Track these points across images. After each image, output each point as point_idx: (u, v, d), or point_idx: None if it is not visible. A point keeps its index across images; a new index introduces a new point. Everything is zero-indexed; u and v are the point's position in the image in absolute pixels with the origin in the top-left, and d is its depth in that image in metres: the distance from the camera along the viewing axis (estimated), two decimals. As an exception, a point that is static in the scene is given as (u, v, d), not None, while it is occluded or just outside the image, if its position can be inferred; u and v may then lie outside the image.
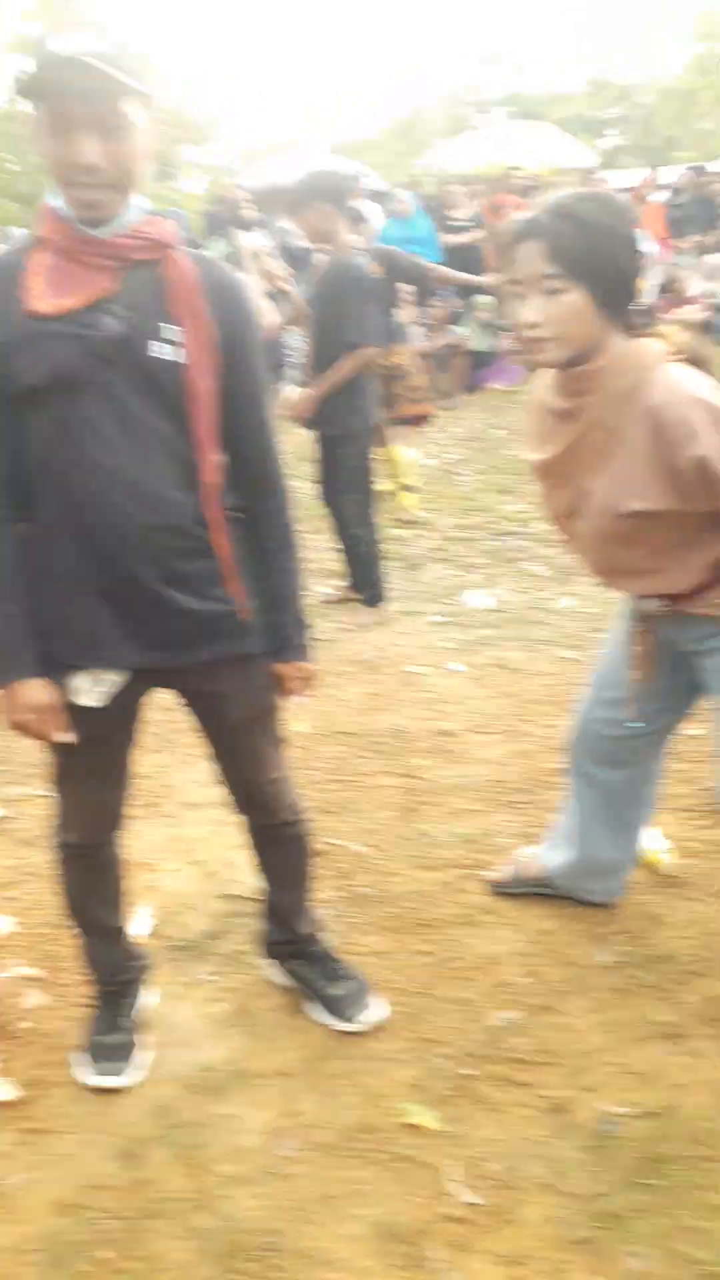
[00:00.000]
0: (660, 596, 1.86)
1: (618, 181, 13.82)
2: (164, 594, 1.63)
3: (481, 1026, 2.04)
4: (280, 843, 2.00)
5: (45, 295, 1.51)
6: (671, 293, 9.52)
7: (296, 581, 1.80)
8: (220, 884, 2.52)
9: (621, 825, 2.25)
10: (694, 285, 9.65)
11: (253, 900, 2.45)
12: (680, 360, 1.65)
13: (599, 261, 1.58)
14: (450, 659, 3.87)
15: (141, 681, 1.73)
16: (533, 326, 1.62)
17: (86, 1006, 2.04)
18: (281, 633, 1.79)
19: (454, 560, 5.05)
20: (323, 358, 3.94)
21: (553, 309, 1.60)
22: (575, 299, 1.59)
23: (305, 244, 5.32)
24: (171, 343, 1.56)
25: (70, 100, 1.43)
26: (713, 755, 1.91)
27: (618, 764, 2.19)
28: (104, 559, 1.60)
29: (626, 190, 13.15)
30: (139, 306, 1.56)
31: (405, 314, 8.98)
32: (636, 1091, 1.88)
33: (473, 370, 8.97)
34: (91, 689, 1.67)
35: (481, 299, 8.97)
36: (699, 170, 11.32)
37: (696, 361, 1.67)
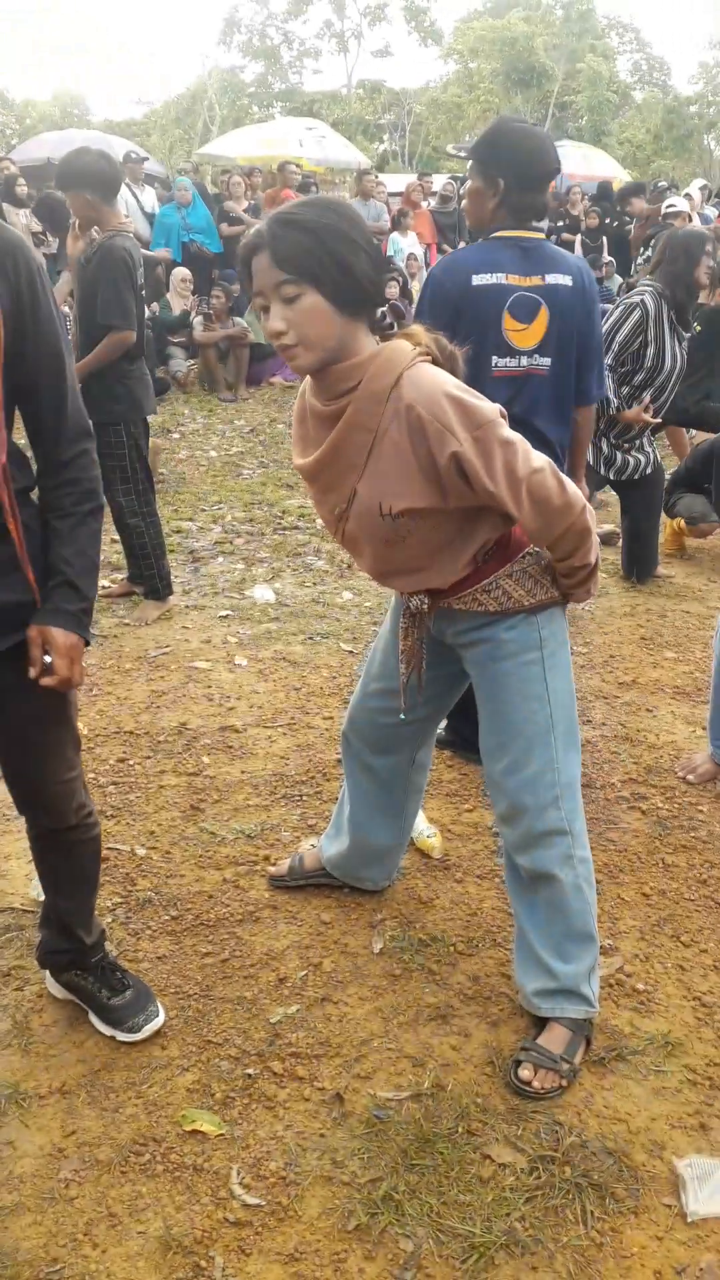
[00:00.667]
0: (426, 592, 1.94)
1: (391, 185, 14.22)
2: None
3: (262, 1024, 2.07)
4: (67, 847, 1.92)
5: None
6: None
7: (89, 550, 1.67)
8: (-9, 898, 2.41)
9: (393, 811, 2.33)
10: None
11: (29, 912, 2.37)
12: (428, 358, 1.72)
13: (327, 261, 1.59)
14: (236, 654, 3.87)
15: None
16: (279, 335, 1.64)
17: None
18: (53, 595, 1.63)
19: (238, 554, 5.05)
20: (87, 342, 3.83)
21: (292, 314, 1.62)
22: (311, 300, 1.61)
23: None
24: None
25: None
26: (482, 746, 2.02)
27: (388, 750, 2.26)
28: None
29: (397, 194, 13.58)
30: None
31: (184, 303, 8.86)
32: (408, 1074, 1.96)
33: (254, 363, 8.95)
34: None
35: (262, 291, 8.98)
36: (464, 180, 11.80)
37: (443, 360, 1.75)
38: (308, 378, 1.78)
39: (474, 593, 1.88)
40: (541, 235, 2.59)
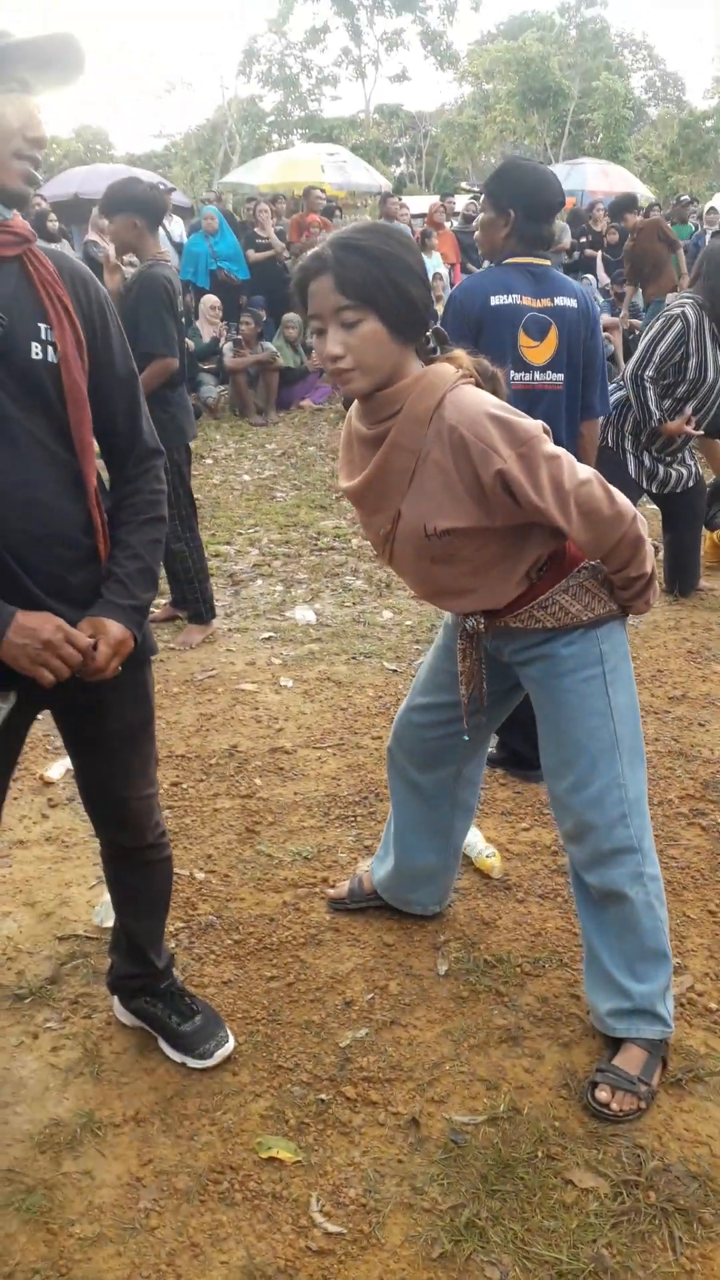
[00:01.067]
0: (481, 612, 1.94)
1: (413, 207, 14.32)
2: (55, 609, 1.54)
3: (332, 1048, 2.05)
4: (142, 867, 1.94)
5: None
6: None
7: (143, 554, 1.67)
8: (57, 925, 2.41)
9: (439, 830, 2.30)
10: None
11: (93, 939, 2.37)
12: (470, 381, 1.73)
13: (389, 289, 1.61)
14: (280, 675, 3.88)
15: (28, 701, 1.63)
16: (336, 359, 1.65)
17: None
18: (105, 591, 1.63)
19: (276, 575, 5.07)
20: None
21: (352, 340, 1.63)
22: (371, 327, 1.63)
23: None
24: (48, 343, 1.50)
25: (42, 82, 1.42)
26: (544, 764, 2.01)
27: (433, 765, 2.24)
28: None
29: (420, 216, 13.68)
30: (13, 306, 1.47)
31: (214, 330, 8.95)
32: (482, 1098, 1.94)
33: (283, 387, 9.02)
34: None
35: (289, 316, 9.06)
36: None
37: (484, 382, 1.76)
38: (354, 404, 1.80)
39: (530, 610, 1.88)
40: (548, 262, 2.81)
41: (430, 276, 1.80)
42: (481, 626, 1.94)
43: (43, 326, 1.51)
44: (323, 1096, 1.94)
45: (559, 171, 16.40)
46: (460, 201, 12.61)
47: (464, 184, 24.08)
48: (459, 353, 1.76)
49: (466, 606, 1.93)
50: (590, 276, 10.06)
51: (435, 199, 12.90)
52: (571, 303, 2.77)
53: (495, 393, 1.75)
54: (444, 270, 10.45)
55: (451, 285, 10.50)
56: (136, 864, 1.93)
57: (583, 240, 11.29)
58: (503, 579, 1.85)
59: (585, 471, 1.72)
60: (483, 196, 2.81)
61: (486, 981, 2.23)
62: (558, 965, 2.28)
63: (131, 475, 1.70)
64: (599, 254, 10.96)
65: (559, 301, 2.74)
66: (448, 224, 10.90)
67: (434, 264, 10.33)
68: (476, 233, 3.22)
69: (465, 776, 2.28)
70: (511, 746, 3.12)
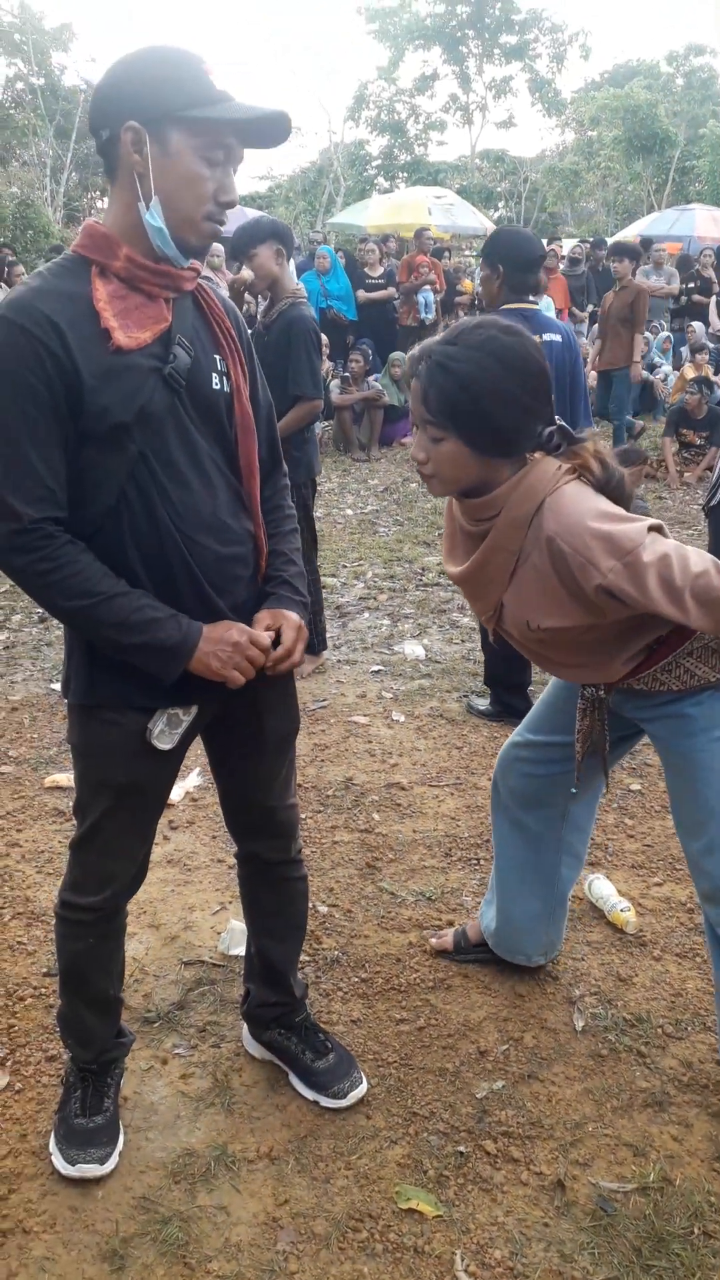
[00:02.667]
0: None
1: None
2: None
3: (468, 1098, 1.98)
4: (282, 884, 1.93)
5: (121, 327, 1.45)
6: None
7: (295, 558, 1.76)
8: (183, 949, 2.40)
9: (543, 874, 2.21)
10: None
11: (219, 966, 2.35)
12: (574, 477, 1.65)
13: (472, 414, 1.60)
14: (392, 709, 3.84)
15: (201, 716, 1.67)
16: (421, 463, 1.68)
17: (62, 1087, 1.88)
18: (277, 590, 1.70)
19: (383, 609, 5.05)
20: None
21: (434, 451, 1.66)
22: (451, 448, 1.64)
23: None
24: (223, 374, 1.58)
25: (244, 146, 1.47)
26: (676, 820, 1.93)
27: (538, 804, 2.17)
28: (185, 593, 1.56)
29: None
30: (195, 339, 1.55)
31: (322, 366, 9.07)
32: (630, 1164, 1.85)
33: (385, 424, 9.08)
34: (168, 731, 1.60)
35: (396, 355, 9.13)
36: (599, 244, 11.87)
37: (602, 478, 1.66)
38: None
39: (654, 673, 1.82)
40: (536, 306, 3.51)
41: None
42: (601, 691, 1.90)
43: (217, 358, 1.59)
44: (461, 1149, 1.86)
45: (667, 217, 16.38)
46: (566, 245, 12.61)
47: (565, 227, 24.20)
48: (586, 445, 1.69)
49: (578, 678, 1.89)
50: (697, 325, 9.93)
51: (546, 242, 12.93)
52: (558, 338, 3.41)
53: (617, 490, 1.67)
54: (553, 313, 10.46)
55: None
56: (275, 881, 1.92)
57: (691, 286, 11.18)
58: (615, 656, 1.80)
59: (698, 563, 1.60)
60: (480, 259, 3.59)
61: (626, 1041, 2.14)
62: (700, 1029, 2.18)
63: (269, 494, 1.75)
64: (711, 300, 10.83)
65: (547, 338, 3.31)
66: (559, 267, 10.88)
67: (545, 306, 10.36)
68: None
69: (572, 818, 2.19)
70: (503, 699, 3.70)
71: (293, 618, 1.66)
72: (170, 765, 1.69)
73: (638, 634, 1.76)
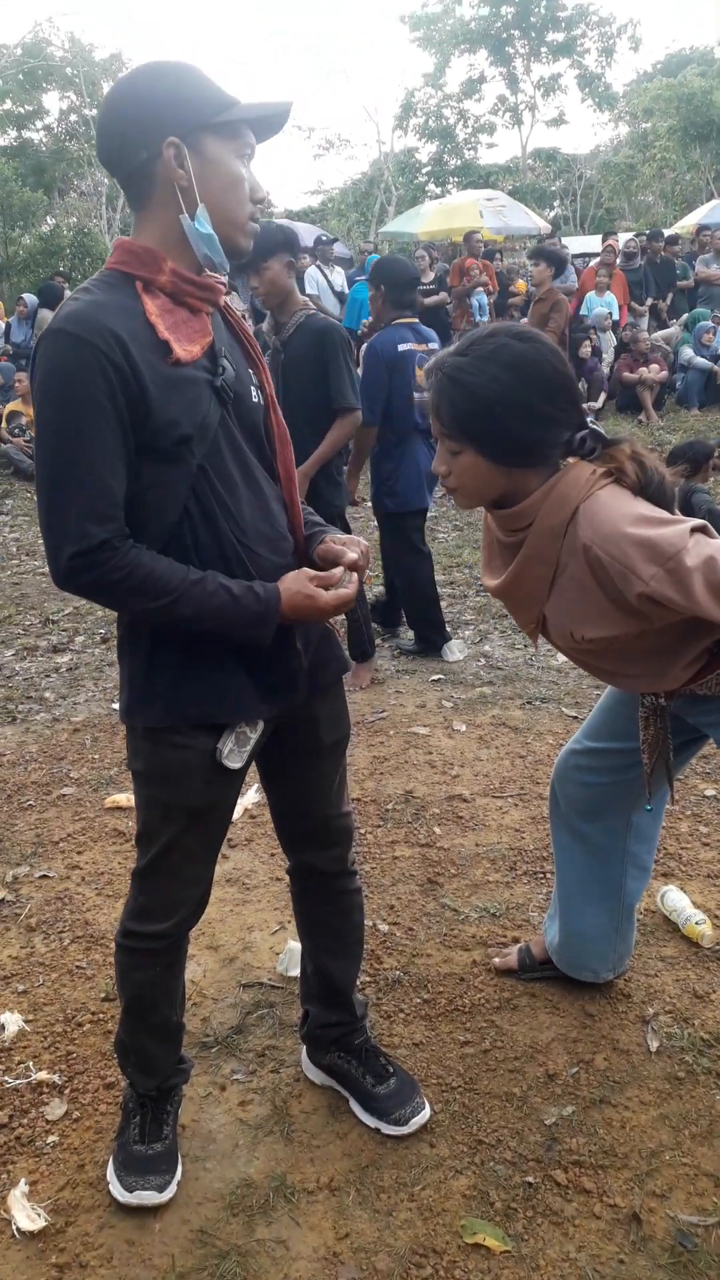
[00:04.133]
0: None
1: (573, 247, 14.21)
2: (289, 635, 1.60)
3: (536, 1125, 1.90)
4: (338, 897, 1.88)
5: (175, 340, 1.45)
6: (632, 353, 9.72)
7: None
8: (241, 971, 2.36)
9: (607, 886, 2.12)
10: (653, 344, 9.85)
11: (278, 988, 2.30)
12: (609, 482, 1.57)
13: (488, 427, 1.55)
14: (452, 719, 3.77)
15: (265, 732, 1.65)
16: (444, 476, 1.65)
17: (123, 1114, 1.84)
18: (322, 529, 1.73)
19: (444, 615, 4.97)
20: (296, 428, 3.77)
21: (454, 464, 1.62)
22: (470, 460, 1.59)
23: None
24: (259, 386, 1.60)
25: (258, 141, 1.51)
26: None
27: (598, 814, 2.08)
28: None
29: (581, 256, 13.54)
30: (231, 353, 1.56)
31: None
32: (711, 1196, 1.74)
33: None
34: (237, 750, 1.59)
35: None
36: (655, 236, 11.64)
37: (640, 478, 1.58)
38: None
39: (716, 678, 1.72)
40: (415, 319, 4.25)
41: (604, 317, 1.68)
42: (663, 700, 1.81)
43: (251, 372, 1.61)
44: (530, 1179, 1.78)
45: (726, 205, 15.98)
46: (622, 239, 12.40)
47: (623, 222, 23.82)
48: (621, 448, 1.61)
49: (633, 688, 1.81)
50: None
51: (595, 239, 12.75)
52: (437, 345, 4.12)
53: (657, 490, 1.58)
54: (615, 310, 10.33)
55: (619, 324, 10.34)
56: (331, 894, 1.88)
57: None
58: (672, 663, 1.70)
59: None
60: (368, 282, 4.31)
61: (705, 1063, 2.03)
62: (784, 1049, 2.06)
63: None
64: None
65: (431, 346, 4.16)
66: (617, 262, 10.71)
67: (607, 303, 10.25)
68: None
69: (635, 827, 2.10)
70: (426, 636, 4.42)
71: (343, 535, 1.66)
72: (236, 784, 1.66)
73: (694, 638, 1.67)
